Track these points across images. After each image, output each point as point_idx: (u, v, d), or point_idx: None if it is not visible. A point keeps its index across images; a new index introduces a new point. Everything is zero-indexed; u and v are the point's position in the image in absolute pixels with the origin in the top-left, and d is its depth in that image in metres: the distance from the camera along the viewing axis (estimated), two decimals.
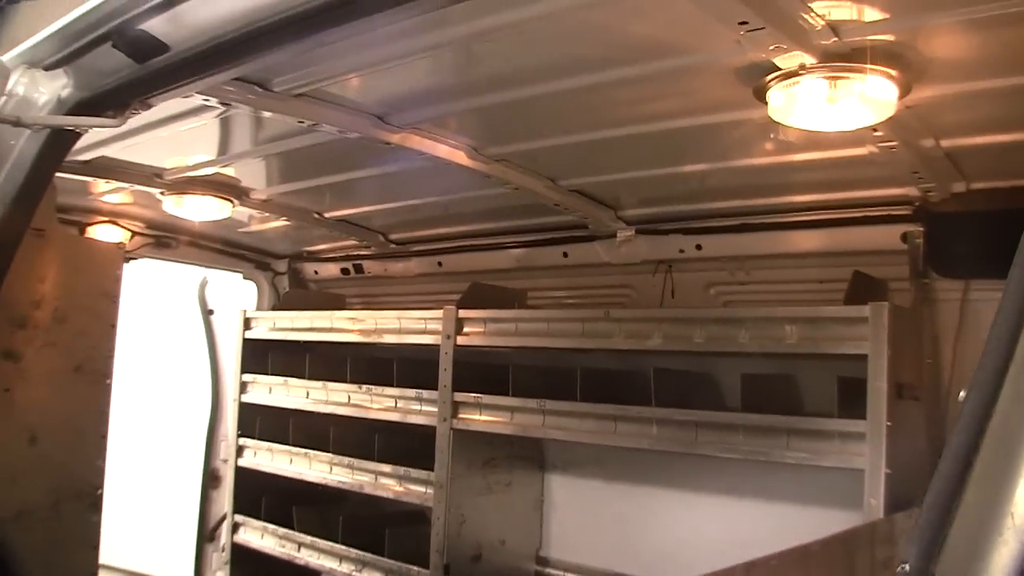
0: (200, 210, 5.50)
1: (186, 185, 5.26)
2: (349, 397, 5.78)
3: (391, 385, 5.52)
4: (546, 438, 5.15)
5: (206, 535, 7.05)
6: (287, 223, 6.11)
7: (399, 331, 5.53)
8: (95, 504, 3.68)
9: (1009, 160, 3.56)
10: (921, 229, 4.11)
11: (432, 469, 5.16)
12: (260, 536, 6.35)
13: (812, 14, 2.61)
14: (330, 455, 5.87)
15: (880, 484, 3.44)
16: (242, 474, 6.58)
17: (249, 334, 6.63)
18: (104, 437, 3.75)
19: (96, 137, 4.15)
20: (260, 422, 6.49)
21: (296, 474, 6.12)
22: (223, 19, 2.29)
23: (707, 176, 4.36)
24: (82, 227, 6.04)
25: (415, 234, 6.27)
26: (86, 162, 4.73)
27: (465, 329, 5.11)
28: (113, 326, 3.81)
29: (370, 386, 5.64)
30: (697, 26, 2.72)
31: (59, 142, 2.79)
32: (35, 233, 3.19)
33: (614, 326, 4.45)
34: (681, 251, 4.94)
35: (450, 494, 5.09)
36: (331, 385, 5.90)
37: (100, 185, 5.34)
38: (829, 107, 2.96)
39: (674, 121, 3.65)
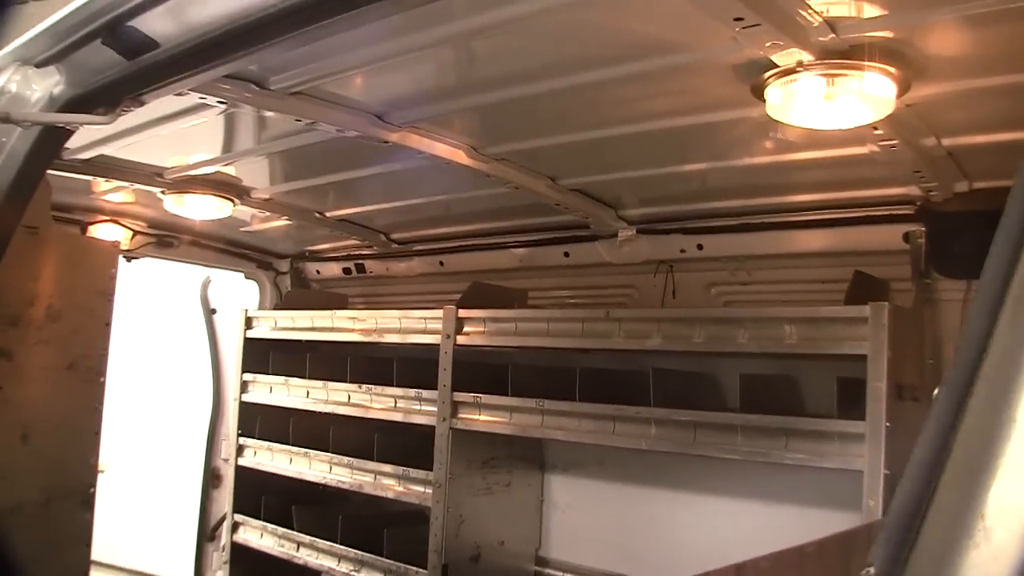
0: (201, 209, 5.49)
1: (187, 184, 5.25)
2: (349, 397, 5.76)
3: (391, 385, 5.50)
4: (546, 438, 5.12)
5: (207, 534, 7.04)
6: (289, 222, 6.11)
7: (400, 331, 5.52)
8: (87, 502, 3.68)
9: (1012, 159, 3.49)
10: (923, 229, 4.08)
11: (432, 469, 5.14)
12: (259, 535, 6.34)
13: (810, 10, 2.58)
14: (330, 455, 5.85)
15: (879, 485, 3.41)
16: (242, 473, 6.57)
17: (251, 333, 6.62)
18: (97, 435, 3.76)
19: (96, 135, 4.16)
20: (261, 421, 6.48)
21: (296, 474, 6.10)
22: (213, 15, 2.28)
23: (708, 175, 4.35)
24: (84, 226, 6.05)
25: (417, 234, 6.26)
26: (86, 161, 4.73)
27: (465, 329, 5.10)
28: (108, 324, 3.81)
29: (370, 386, 5.63)
30: (693, 23, 2.69)
31: (50, 139, 2.78)
32: (28, 231, 3.19)
33: (614, 326, 4.43)
34: (682, 251, 4.92)
35: (449, 494, 5.07)
36: (331, 385, 5.88)
37: (101, 184, 5.34)
38: (827, 105, 2.94)
39: (674, 119, 3.63)
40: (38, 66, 2.71)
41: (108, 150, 4.57)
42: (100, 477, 3.91)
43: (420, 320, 5.38)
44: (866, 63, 2.80)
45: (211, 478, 7.10)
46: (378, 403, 5.58)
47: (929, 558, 0.85)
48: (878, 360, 3.53)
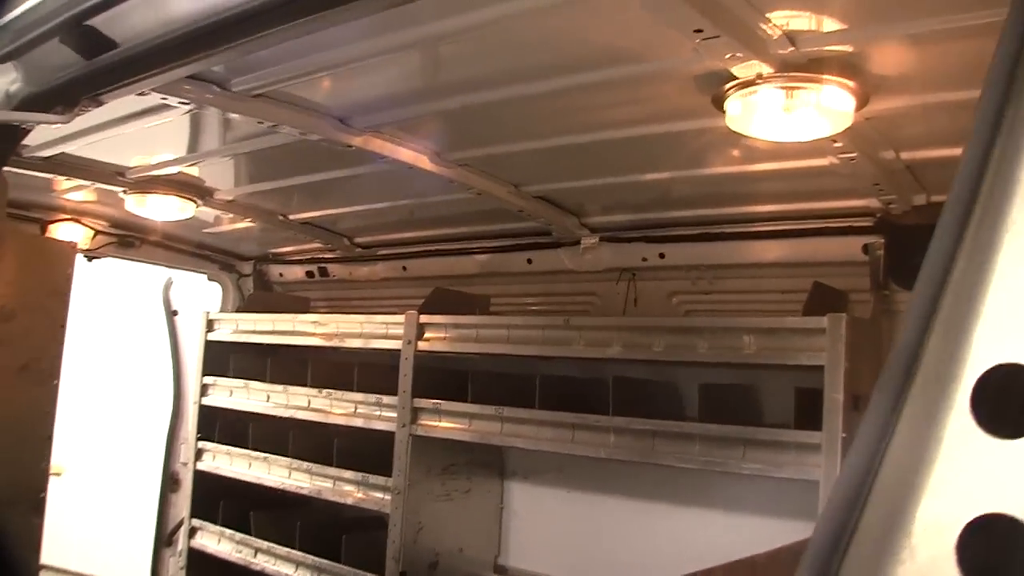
0: (163, 210, 5.43)
1: (149, 184, 5.19)
2: (309, 401, 5.73)
3: (352, 390, 5.48)
4: (506, 445, 5.12)
5: (163, 539, 6.97)
6: (252, 224, 6.07)
7: (362, 335, 5.50)
8: (38, 507, 3.63)
9: None
10: (882, 241, 4.11)
11: (391, 475, 5.12)
12: (217, 541, 6.28)
13: (770, 23, 2.60)
14: (289, 460, 5.81)
15: None
16: (201, 478, 6.51)
17: (212, 336, 6.58)
18: (49, 439, 3.70)
19: (57, 133, 4.11)
20: (220, 425, 6.43)
21: (255, 479, 6.06)
22: (171, 17, 2.27)
23: (670, 185, 4.36)
24: (44, 225, 5.99)
25: (381, 238, 6.24)
26: (46, 158, 4.67)
27: (427, 334, 5.09)
28: (63, 326, 3.76)
29: (330, 391, 5.60)
30: (655, 34, 2.70)
31: (6, 137, 2.76)
32: None
33: (574, 334, 4.44)
34: (644, 259, 4.92)
35: (408, 501, 5.05)
36: (292, 389, 5.85)
37: (62, 182, 5.28)
38: (786, 117, 2.95)
39: (636, 128, 3.64)
40: None
41: (69, 148, 4.51)
42: (57, 480, 3.86)
43: (382, 325, 5.36)
44: (825, 76, 2.83)
45: (169, 482, 7.02)
46: (338, 408, 5.55)
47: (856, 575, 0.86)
48: (835, 371, 3.55)
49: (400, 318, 5.20)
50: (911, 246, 4.00)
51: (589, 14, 2.73)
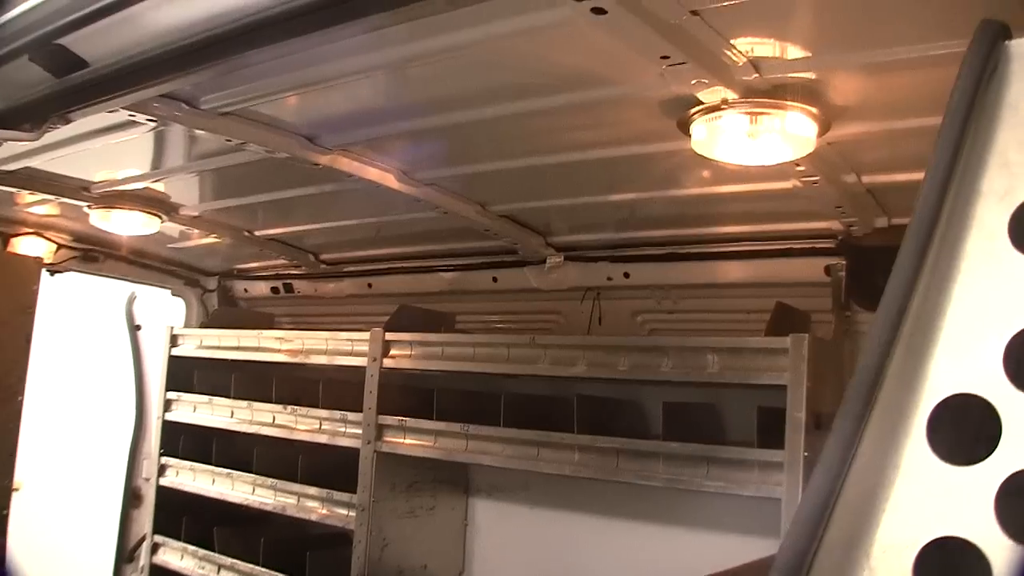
0: (128, 225, 5.40)
1: (114, 199, 5.17)
2: (274, 418, 5.71)
3: (317, 406, 5.47)
4: (471, 463, 5.13)
5: (125, 555, 6.90)
6: (217, 240, 6.05)
7: (327, 352, 5.49)
8: (0, 526, 3.59)
9: None
10: (844, 262, 4.18)
11: (356, 492, 5.11)
12: (180, 557, 6.24)
13: (734, 50, 2.64)
14: (253, 476, 5.79)
15: None
16: (163, 494, 6.47)
17: (175, 351, 6.54)
18: (12, 456, 3.66)
19: (22, 148, 4.08)
20: (184, 441, 6.39)
21: (218, 495, 6.02)
22: (142, 38, 2.28)
23: (636, 205, 4.40)
24: (6, 238, 5.93)
25: (346, 255, 6.24)
26: (10, 172, 4.64)
27: (392, 352, 5.09)
28: (28, 341, 3.73)
29: (295, 407, 5.58)
30: (622, 59, 2.73)
31: None
32: None
33: (539, 352, 4.46)
34: (609, 279, 4.96)
35: (372, 517, 5.04)
36: (256, 405, 5.83)
37: (25, 196, 5.24)
38: (750, 142, 3.00)
39: (603, 150, 3.67)
40: None
41: (34, 163, 4.48)
42: (16, 495, 3.81)
43: (347, 342, 5.36)
44: (788, 103, 2.88)
45: (131, 498, 6.97)
46: (303, 424, 5.54)
47: None
48: (797, 390, 3.59)
49: (365, 335, 5.20)
50: (872, 267, 4.07)
51: (557, 39, 2.75)
